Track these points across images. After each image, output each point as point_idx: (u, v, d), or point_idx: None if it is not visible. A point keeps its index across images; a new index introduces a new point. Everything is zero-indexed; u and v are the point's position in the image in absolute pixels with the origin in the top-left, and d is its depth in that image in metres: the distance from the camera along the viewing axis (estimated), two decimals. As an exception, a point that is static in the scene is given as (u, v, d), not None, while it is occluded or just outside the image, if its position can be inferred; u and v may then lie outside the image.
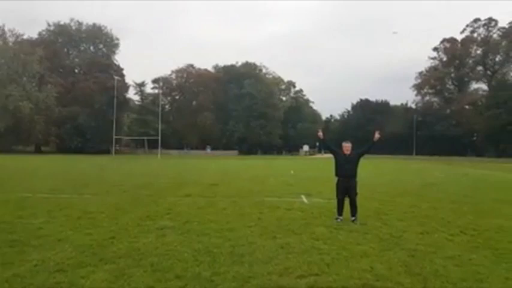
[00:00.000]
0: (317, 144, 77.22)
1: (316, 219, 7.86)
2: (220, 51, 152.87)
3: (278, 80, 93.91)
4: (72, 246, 5.55)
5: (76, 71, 73.83)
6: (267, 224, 7.26)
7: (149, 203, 9.82)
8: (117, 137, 60.15)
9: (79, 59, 73.66)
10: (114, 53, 75.95)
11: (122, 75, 71.15)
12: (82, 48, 75.54)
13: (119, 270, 4.54)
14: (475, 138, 74.31)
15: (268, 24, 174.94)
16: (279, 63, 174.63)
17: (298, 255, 5.22)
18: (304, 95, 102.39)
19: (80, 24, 73.73)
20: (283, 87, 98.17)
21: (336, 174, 7.99)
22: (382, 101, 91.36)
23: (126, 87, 72.34)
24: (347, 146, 7.95)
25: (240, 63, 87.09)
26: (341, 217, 7.76)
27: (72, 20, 73.20)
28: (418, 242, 6.11)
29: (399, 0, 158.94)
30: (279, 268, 4.66)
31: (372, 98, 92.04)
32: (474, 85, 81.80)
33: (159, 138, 57.59)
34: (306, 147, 79.80)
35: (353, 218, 7.66)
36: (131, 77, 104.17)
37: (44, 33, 71.31)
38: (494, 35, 75.64)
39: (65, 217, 7.77)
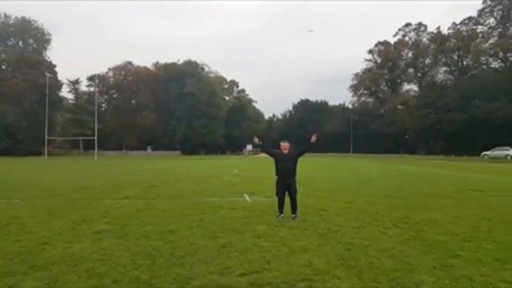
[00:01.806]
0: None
1: (259, 218, 7.94)
2: (161, 49, 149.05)
3: (221, 79, 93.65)
4: (-1, 255, 5.16)
5: (3, 67, 68.59)
6: (209, 224, 7.21)
7: (84, 206, 9.35)
8: (50, 137, 56.81)
9: (6, 54, 68.51)
10: (45, 48, 71.96)
11: (55, 73, 67.28)
12: (10, 43, 70.44)
13: (52, 277, 4.29)
14: (407, 136, 78.74)
15: (210, 23, 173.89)
16: (221, 63, 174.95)
17: (240, 254, 5.24)
18: (247, 95, 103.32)
19: (8, 17, 69.05)
20: (226, 86, 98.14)
21: (276, 173, 8.13)
22: (321, 101, 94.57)
23: (59, 85, 68.48)
24: (285, 145, 8.12)
25: (181, 62, 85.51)
26: (282, 214, 7.90)
27: (-4, 13, 68.08)
28: (354, 236, 6.37)
29: (338, 2, 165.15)
30: (220, 267, 4.65)
31: (312, 98, 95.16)
32: (406, 86, 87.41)
33: (96, 138, 55.10)
34: (249, 147, 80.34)
35: (293, 215, 7.85)
36: (64, 74, 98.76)
37: (-37, 25, 65.59)
38: (424, 39, 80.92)
39: (-10, 224, 7.19)
